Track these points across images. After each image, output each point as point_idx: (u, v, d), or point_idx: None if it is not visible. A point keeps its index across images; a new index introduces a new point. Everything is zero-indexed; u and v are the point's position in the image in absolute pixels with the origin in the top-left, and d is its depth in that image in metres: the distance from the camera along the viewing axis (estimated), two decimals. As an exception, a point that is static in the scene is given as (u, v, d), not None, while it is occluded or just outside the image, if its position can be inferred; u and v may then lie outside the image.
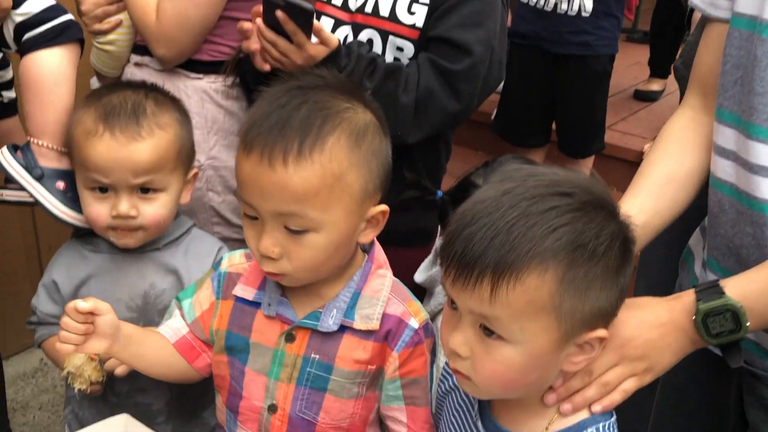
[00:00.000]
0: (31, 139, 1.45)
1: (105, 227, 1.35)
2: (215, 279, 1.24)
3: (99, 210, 1.34)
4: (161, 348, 1.25)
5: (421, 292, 1.77)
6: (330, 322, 1.13)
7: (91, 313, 1.10)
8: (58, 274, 1.44)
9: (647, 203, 1.18)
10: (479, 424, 1.06)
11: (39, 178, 1.43)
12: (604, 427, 1.00)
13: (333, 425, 1.17)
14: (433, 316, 1.67)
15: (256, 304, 1.18)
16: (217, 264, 1.26)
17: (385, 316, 1.14)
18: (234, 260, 1.25)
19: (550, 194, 0.91)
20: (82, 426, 1.33)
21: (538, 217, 0.89)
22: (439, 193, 1.59)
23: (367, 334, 1.13)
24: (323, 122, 1.03)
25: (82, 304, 1.09)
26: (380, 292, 1.15)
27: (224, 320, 1.20)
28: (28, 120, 1.48)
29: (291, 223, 1.04)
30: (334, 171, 1.03)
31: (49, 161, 1.44)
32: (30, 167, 1.43)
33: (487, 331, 0.93)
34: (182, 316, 1.25)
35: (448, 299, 0.97)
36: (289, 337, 1.15)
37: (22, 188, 1.44)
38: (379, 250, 1.20)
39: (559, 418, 1.00)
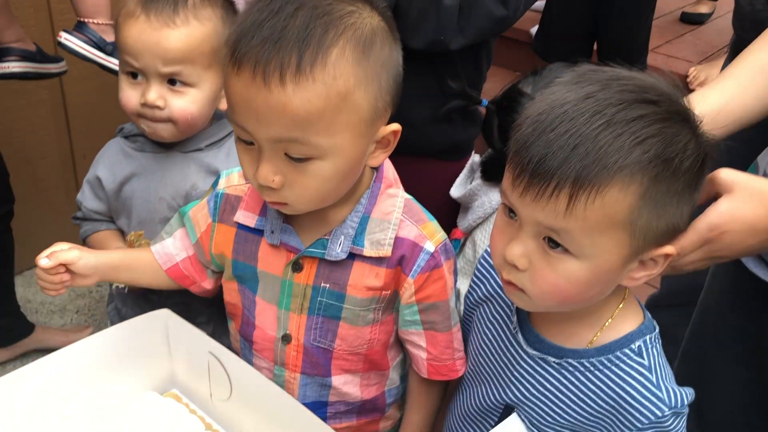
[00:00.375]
0: (88, 20, 1.44)
1: (135, 114, 1.34)
2: (211, 199, 1.17)
3: (130, 95, 1.32)
4: (155, 271, 1.22)
5: (456, 207, 1.75)
6: (338, 250, 1.05)
7: (63, 264, 1.09)
8: (102, 170, 1.44)
9: (731, 89, 1.07)
10: (519, 336, 1.04)
11: (112, 53, 1.43)
12: (650, 339, 0.98)
13: (350, 351, 1.14)
14: (470, 231, 1.66)
15: (259, 231, 1.11)
16: (215, 181, 1.20)
17: (397, 241, 1.06)
18: (232, 180, 1.18)
19: (637, 101, 0.84)
20: (124, 322, 1.35)
21: (624, 126, 0.82)
22: (485, 101, 1.54)
23: (378, 260, 1.06)
24: (324, 31, 0.89)
25: (43, 261, 1.09)
26: (391, 215, 1.07)
27: (228, 247, 1.15)
28: (81, 2, 1.47)
29: (292, 151, 0.93)
30: (340, 90, 0.90)
31: (111, 36, 1.45)
32: (101, 44, 1.43)
33: (552, 244, 0.88)
34: (185, 236, 1.22)
35: (505, 208, 0.92)
36: (296, 267, 1.09)
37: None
38: (388, 167, 1.11)
39: (605, 330, 0.98)
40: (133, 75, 1.32)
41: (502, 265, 0.94)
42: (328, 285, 1.09)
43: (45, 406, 1.10)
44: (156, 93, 1.29)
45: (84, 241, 1.50)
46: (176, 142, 1.40)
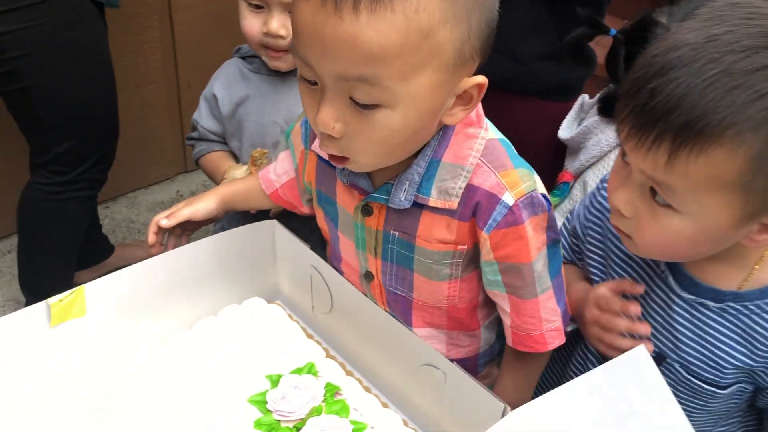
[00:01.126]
0: None
1: (257, 43, 1.35)
2: (303, 124, 1.11)
3: (252, 23, 1.33)
4: (260, 195, 1.24)
5: (560, 151, 1.70)
6: (401, 197, 0.95)
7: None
8: (219, 89, 1.47)
9: None
10: (670, 279, 0.97)
11: None
12: None
13: (429, 304, 1.07)
14: (581, 172, 1.60)
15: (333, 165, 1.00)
16: None
17: (470, 189, 0.94)
18: None
19: (765, 48, 0.74)
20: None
21: (743, 77, 0.73)
22: (613, 31, 1.47)
23: (448, 211, 0.96)
24: None
25: (163, 222, 1.15)
26: (466, 159, 0.93)
27: (312, 175, 1.11)
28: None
29: (358, 94, 0.81)
30: (422, 25, 0.77)
31: None
32: None
33: (658, 196, 0.83)
34: (286, 159, 1.20)
35: (621, 149, 0.87)
36: (366, 210, 1.01)
37: None
38: None
39: (757, 272, 0.92)
40: (256, 6, 1.33)
41: (612, 209, 0.90)
42: (397, 233, 1.01)
43: (149, 303, 1.14)
44: (278, 22, 1.30)
45: (197, 162, 1.54)
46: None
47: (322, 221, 1.17)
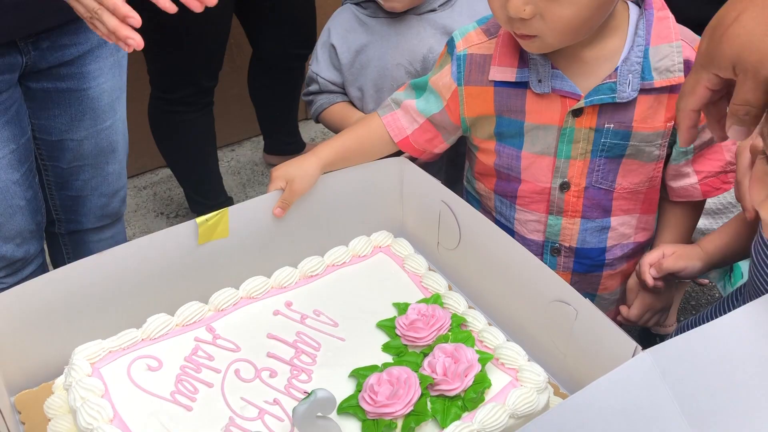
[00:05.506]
0: None
1: None
2: (454, 63, 1.15)
3: None
4: (384, 143, 1.23)
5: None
6: (628, 90, 1.04)
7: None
8: (336, 39, 1.45)
9: None
10: None
11: None
12: None
13: (630, 190, 1.14)
14: None
15: (521, 84, 1.10)
16: (450, 44, 1.17)
17: (685, 64, 1.04)
18: (472, 39, 1.15)
19: None
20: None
21: None
22: None
23: (663, 89, 1.05)
24: None
25: (277, 212, 1.15)
26: (670, 37, 1.04)
27: (488, 106, 1.14)
28: None
29: None
30: None
31: None
32: None
33: None
34: (411, 112, 1.21)
35: None
36: (577, 112, 1.08)
37: None
38: None
39: None
40: None
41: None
42: (612, 125, 1.08)
43: (286, 232, 1.19)
44: None
45: (317, 118, 1.52)
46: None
47: (488, 154, 1.18)
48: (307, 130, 2.86)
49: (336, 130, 1.47)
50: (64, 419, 0.96)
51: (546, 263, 1.19)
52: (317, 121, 1.54)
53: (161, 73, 1.99)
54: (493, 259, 1.13)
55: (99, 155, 1.42)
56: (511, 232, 1.22)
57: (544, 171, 1.15)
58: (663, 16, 1.06)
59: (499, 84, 1.12)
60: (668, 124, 1.08)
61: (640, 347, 0.91)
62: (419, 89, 1.23)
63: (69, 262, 1.63)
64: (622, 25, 1.06)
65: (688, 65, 1.03)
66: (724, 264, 1.17)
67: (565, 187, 1.14)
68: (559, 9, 0.96)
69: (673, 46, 1.04)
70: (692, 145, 1.09)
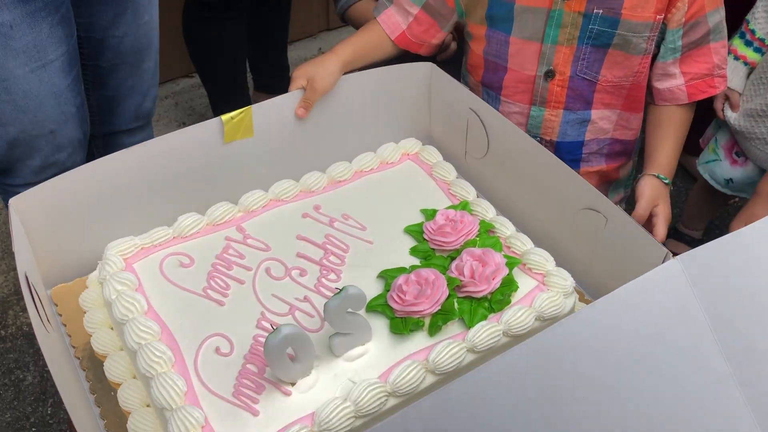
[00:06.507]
0: None
1: None
2: None
3: None
4: (386, 44, 1.24)
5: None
6: None
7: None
8: None
9: None
10: None
11: None
12: None
13: (614, 83, 1.15)
14: None
15: None
16: None
17: None
18: None
19: None
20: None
21: None
22: None
23: None
24: None
25: (300, 112, 1.14)
26: None
27: None
28: None
29: None
30: None
31: None
32: None
33: None
34: (404, 4, 1.21)
35: None
36: None
37: None
38: None
39: None
40: None
41: None
42: (601, 11, 1.08)
43: (315, 130, 1.18)
44: None
45: (343, 16, 1.51)
46: None
47: (478, 41, 1.19)
48: (329, 40, 2.81)
49: (360, 27, 1.47)
50: (99, 312, 0.98)
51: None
52: (342, 19, 1.53)
53: None
54: (521, 168, 1.12)
55: (137, 52, 1.42)
56: None
57: (530, 58, 1.16)
58: None
59: None
60: (658, 16, 1.08)
61: (671, 254, 0.91)
62: None
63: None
64: None
65: None
66: None
67: (550, 75, 1.15)
68: None
69: None
70: (680, 43, 1.11)
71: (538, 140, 1.21)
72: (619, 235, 0.98)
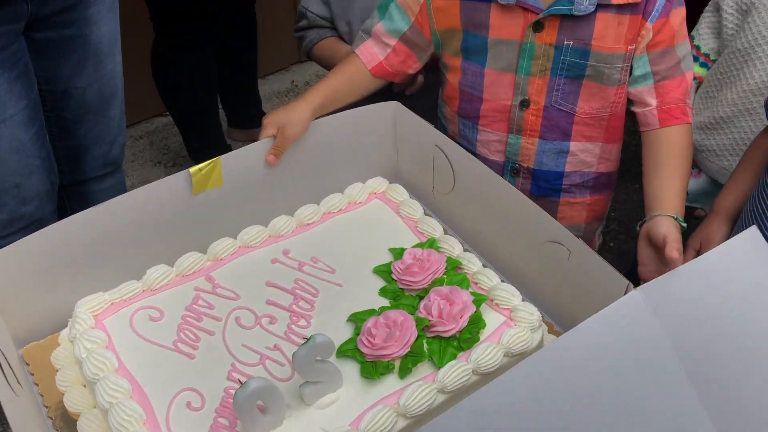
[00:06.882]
0: None
1: None
2: None
3: None
4: (353, 82, 1.25)
5: None
6: (585, 3, 1.07)
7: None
8: None
9: None
10: None
11: None
12: None
13: (592, 115, 1.16)
14: None
15: None
16: None
17: None
18: None
19: None
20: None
21: None
22: None
23: (622, 8, 1.08)
24: None
25: (270, 159, 1.16)
26: None
27: (455, 20, 1.15)
28: None
29: None
30: None
31: None
32: None
33: None
34: (382, 36, 1.23)
35: None
36: (538, 27, 1.10)
37: None
38: None
39: None
40: None
41: None
42: (572, 42, 1.10)
43: (281, 178, 1.20)
44: None
45: (309, 53, 1.53)
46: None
47: (454, 72, 1.21)
48: (302, 72, 2.84)
49: (326, 64, 1.50)
50: (71, 369, 0.98)
51: (505, 183, 1.24)
52: (308, 56, 1.56)
53: (164, 14, 1.98)
54: (487, 202, 1.14)
55: (101, 102, 1.43)
56: (474, 154, 1.24)
57: (505, 88, 1.17)
58: None
59: None
60: (629, 47, 1.10)
61: (631, 285, 0.93)
62: (382, 9, 1.24)
63: (71, 215, 1.66)
64: None
65: None
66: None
67: (525, 104, 1.17)
68: None
69: None
70: (649, 69, 1.14)
71: (516, 167, 1.23)
72: (582, 267, 1.00)
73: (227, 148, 2.32)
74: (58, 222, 1.02)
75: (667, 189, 1.09)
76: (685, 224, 1.07)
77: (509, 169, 1.24)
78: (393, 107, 1.26)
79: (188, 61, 2.06)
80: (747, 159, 1.20)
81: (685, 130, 1.15)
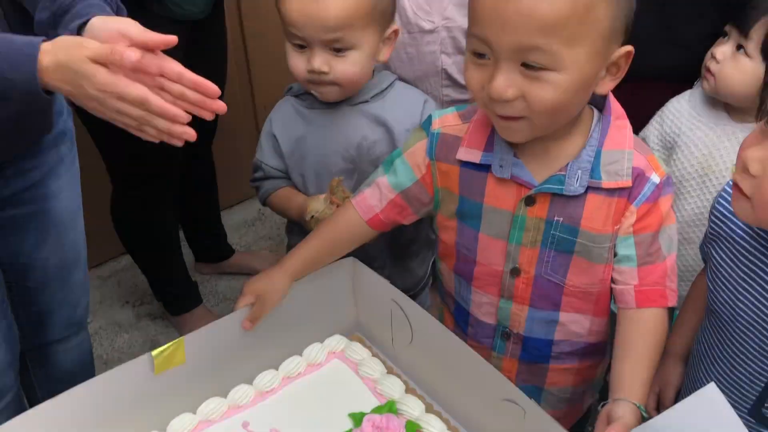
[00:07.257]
0: None
1: (304, 80, 1.40)
2: (428, 139, 1.21)
3: (297, 63, 1.37)
4: (341, 238, 1.28)
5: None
6: (576, 185, 1.08)
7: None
8: (277, 129, 1.51)
9: None
10: None
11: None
12: None
13: (581, 290, 1.15)
14: None
15: (484, 167, 1.14)
16: (426, 123, 1.23)
17: (633, 170, 1.09)
18: (447, 121, 1.20)
19: None
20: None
21: None
22: None
23: (612, 192, 1.09)
24: None
25: (246, 324, 1.19)
26: (624, 144, 1.09)
27: (454, 184, 1.18)
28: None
29: (531, 59, 0.96)
30: (586, 0, 0.94)
31: None
32: None
33: None
34: (383, 188, 1.26)
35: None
36: (529, 201, 1.11)
37: None
38: (614, 101, 1.12)
39: None
40: (300, 46, 1.37)
41: (738, 163, 0.93)
42: (561, 219, 1.11)
43: (239, 349, 1.21)
44: (320, 60, 1.34)
45: (264, 202, 1.57)
46: (344, 98, 1.45)
47: (449, 232, 1.22)
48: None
49: (281, 211, 1.54)
50: None
51: (496, 347, 1.24)
52: (264, 204, 1.59)
53: (122, 166, 2.02)
54: (445, 358, 1.15)
55: (64, 269, 1.44)
56: (467, 314, 1.25)
57: (497, 254, 1.18)
58: (621, 125, 1.11)
59: (464, 165, 1.16)
60: (615, 227, 1.10)
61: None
62: (387, 164, 1.27)
63: (34, 378, 1.64)
64: (586, 126, 1.11)
65: (636, 172, 1.08)
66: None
67: (515, 272, 1.17)
68: (540, 90, 0.98)
69: (624, 152, 1.08)
70: (633, 252, 1.12)
71: (507, 332, 1.23)
72: (537, 426, 1.01)
73: (194, 287, 2.34)
74: (19, 416, 1.02)
75: (635, 376, 1.08)
76: (646, 415, 1.05)
77: (500, 333, 1.24)
78: (350, 263, 1.30)
79: (147, 216, 2.09)
80: (691, 298, 1.24)
81: (660, 315, 1.13)
